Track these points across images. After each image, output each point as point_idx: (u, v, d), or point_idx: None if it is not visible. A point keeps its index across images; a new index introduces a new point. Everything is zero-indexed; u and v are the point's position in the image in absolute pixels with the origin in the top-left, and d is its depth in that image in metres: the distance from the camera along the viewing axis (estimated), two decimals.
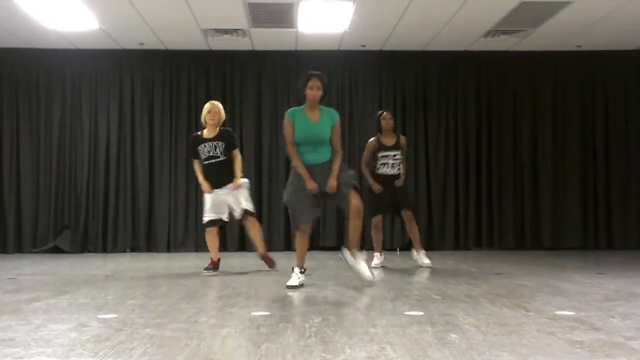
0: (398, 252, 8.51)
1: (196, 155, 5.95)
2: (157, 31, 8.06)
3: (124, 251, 8.73)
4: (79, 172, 8.82)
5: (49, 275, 5.92)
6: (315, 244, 8.80)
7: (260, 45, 8.73)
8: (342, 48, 8.83)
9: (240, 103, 8.99)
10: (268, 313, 3.61)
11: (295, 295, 4.38)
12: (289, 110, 4.92)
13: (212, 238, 5.94)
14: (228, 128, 6.21)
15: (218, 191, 5.85)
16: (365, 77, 9.11)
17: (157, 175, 8.87)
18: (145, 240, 8.77)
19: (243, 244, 8.67)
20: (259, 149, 8.90)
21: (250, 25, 7.83)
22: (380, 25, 7.89)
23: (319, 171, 4.77)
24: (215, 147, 5.84)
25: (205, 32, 8.07)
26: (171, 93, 8.98)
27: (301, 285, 4.71)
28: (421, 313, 3.58)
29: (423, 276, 5.75)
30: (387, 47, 8.82)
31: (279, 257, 6.57)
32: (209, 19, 7.60)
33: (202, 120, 5.99)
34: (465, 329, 3.08)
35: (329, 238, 8.78)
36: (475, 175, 9.03)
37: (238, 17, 7.50)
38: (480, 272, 5.91)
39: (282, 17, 7.50)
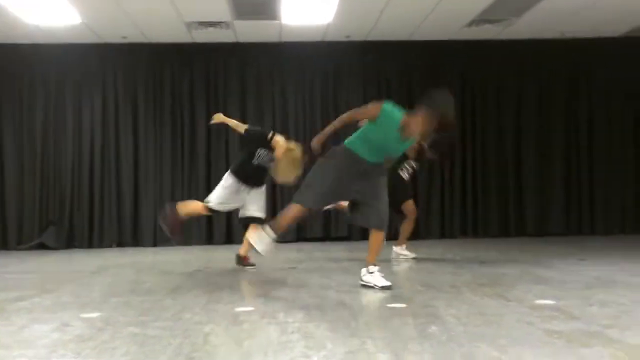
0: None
1: (251, 148, 5.63)
2: (140, 25, 7.99)
3: (110, 246, 8.69)
4: (63, 167, 8.76)
5: (34, 272, 5.91)
6: (301, 236, 8.82)
7: (244, 38, 8.69)
8: (326, 39, 8.81)
9: (224, 95, 8.94)
10: (252, 308, 3.63)
11: (280, 289, 4.39)
12: (390, 104, 4.38)
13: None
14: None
15: (243, 186, 5.61)
16: (350, 68, 9.10)
17: (142, 168, 8.82)
18: (131, 234, 8.74)
19: (230, 237, 8.66)
20: None
21: (234, 18, 7.79)
22: (364, 16, 7.87)
23: (369, 170, 4.31)
24: (267, 155, 5.59)
25: (189, 25, 8.01)
26: (155, 86, 8.93)
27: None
28: (404, 305, 3.62)
29: (408, 266, 5.79)
30: (372, 38, 8.80)
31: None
32: (192, 11, 7.55)
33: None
34: (446, 320, 3.12)
35: (315, 229, 8.79)
36: (460, 163, 9.06)
37: (221, 10, 7.46)
38: (465, 261, 5.97)
39: (266, 9, 7.46)
